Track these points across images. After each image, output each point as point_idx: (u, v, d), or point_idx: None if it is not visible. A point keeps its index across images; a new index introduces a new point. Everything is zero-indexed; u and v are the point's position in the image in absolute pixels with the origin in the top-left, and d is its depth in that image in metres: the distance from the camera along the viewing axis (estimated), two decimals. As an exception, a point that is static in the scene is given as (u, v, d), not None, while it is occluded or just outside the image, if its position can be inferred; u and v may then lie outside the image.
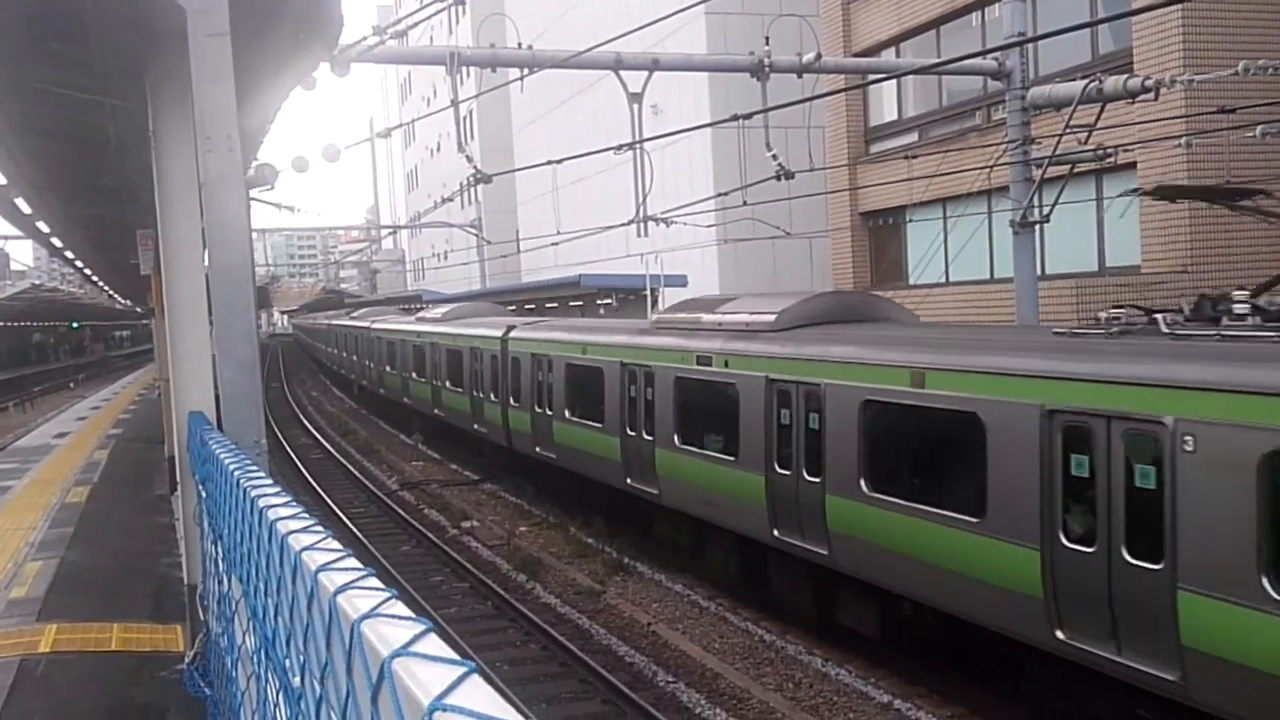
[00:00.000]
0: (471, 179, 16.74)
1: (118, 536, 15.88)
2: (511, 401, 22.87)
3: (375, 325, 41.17)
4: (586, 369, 19.09)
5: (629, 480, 17.49)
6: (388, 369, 37.22)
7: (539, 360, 21.31)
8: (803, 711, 11.51)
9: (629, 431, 17.37)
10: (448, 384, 28.47)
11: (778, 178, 16.02)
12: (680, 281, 31.18)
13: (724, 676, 12.65)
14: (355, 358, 45.68)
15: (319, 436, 36.31)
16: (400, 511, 22.73)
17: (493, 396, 24.24)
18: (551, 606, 15.83)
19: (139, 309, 53.15)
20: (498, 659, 13.52)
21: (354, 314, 55.96)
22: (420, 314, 36.95)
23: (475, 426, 26.07)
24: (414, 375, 32.57)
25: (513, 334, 23.21)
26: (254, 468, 4.29)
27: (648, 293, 30.28)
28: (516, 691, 11.95)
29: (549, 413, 20.72)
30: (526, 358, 21.97)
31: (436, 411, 30.15)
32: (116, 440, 27.81)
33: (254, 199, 17.34)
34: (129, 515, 17.65)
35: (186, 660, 8.28)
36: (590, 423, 18.81)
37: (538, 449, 21.52)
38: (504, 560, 18.42)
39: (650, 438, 16.62)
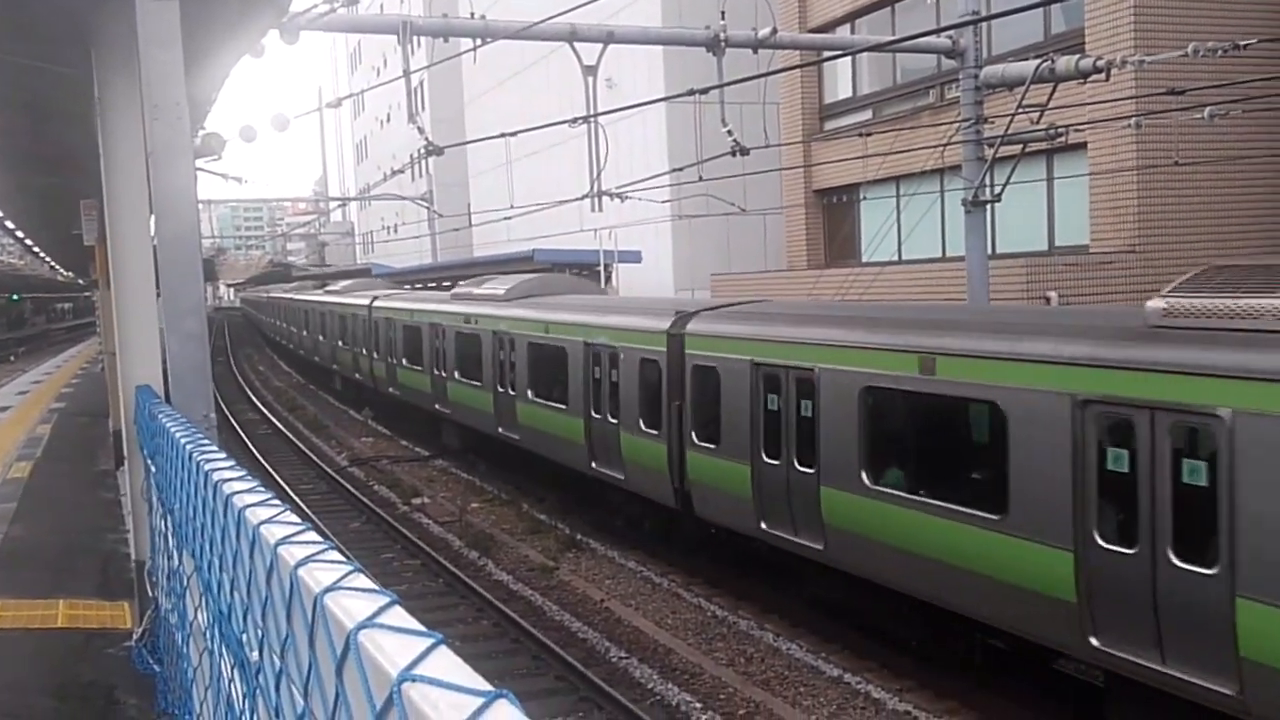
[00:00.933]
0: (423, 151, 16.54)
1: (62, 512, 15.62)
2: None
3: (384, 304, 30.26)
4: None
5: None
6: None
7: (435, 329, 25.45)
8: (754, 686, 11.60)
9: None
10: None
11: (733, 154, 15.98)
12: (634, 257, 31.13)
13: (676, 652, 12.71)
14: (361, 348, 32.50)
15: (266, 412, 35.91)
16: (350, 488, 22.56)
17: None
18: (504, 583, 15.80)
19: (82, 280, 52.12)
20: (450, 636, 13.40)
21: (330, 287, 44.10)
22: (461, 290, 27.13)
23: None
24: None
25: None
26: (206, 441, 4.21)
27: (601, 268, 30.19)
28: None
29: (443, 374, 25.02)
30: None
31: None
32: (59, 414, 27.32)
33: (200, 169, 17.01)
34: (73, 490, 17.36)
35: (134, 637, 8.17)
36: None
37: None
38: (456, 537, 18.35)
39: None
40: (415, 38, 15.21)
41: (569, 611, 14.35)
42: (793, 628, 13.15)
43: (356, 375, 33.59)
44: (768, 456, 12.70)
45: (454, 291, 26.06)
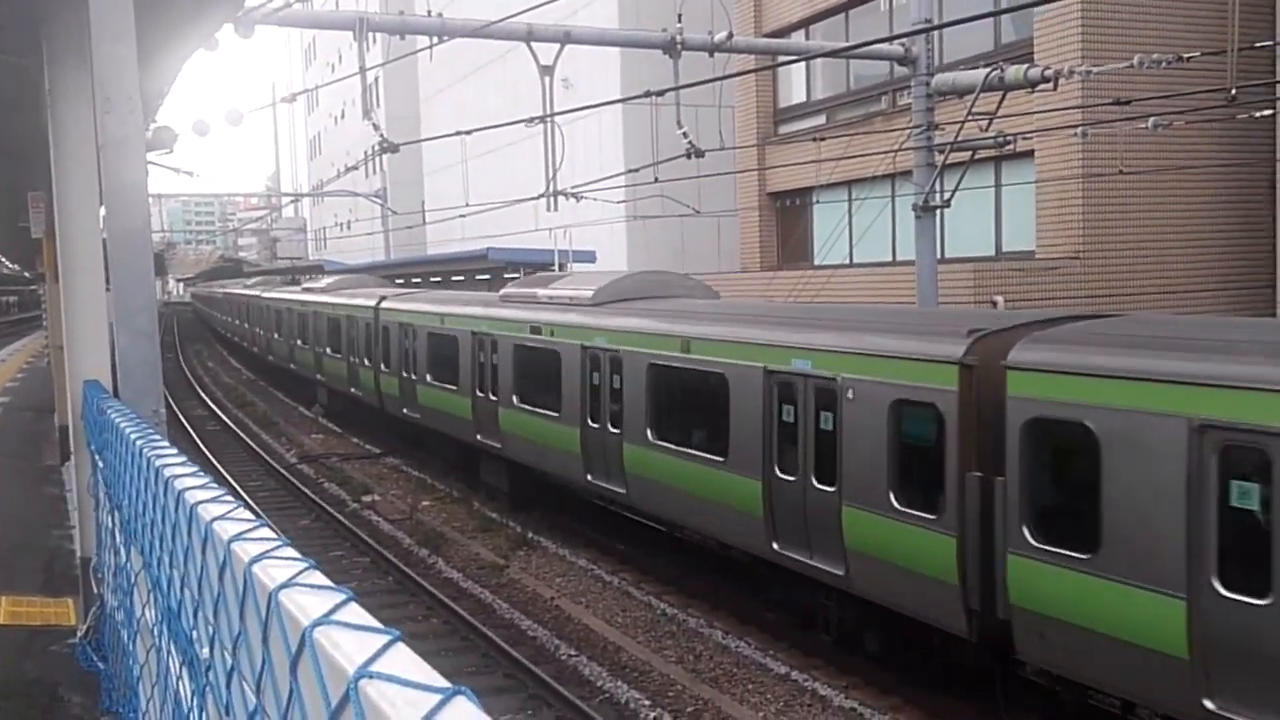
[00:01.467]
0: (377, 147, 16.47)
1: (6, 507, 15.36)
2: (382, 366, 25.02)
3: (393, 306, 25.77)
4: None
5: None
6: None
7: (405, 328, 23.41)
8: (703, 683, 11.69)
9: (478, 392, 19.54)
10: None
11: (688, 156, 16.07)
12: (589, 257, 31.14)
13: (626, 650, 12.77)
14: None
15: (215, 408, 35.52)
16: (299, 485, 22.39)
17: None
18: (454, 581, 15.78)
19: (28, 274, 51.15)
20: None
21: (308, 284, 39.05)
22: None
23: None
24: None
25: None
26: (157, 437, 4.20)
27: (556, 268, 30.17)
28: (418, 665, 11.91)
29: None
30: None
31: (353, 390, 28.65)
32: (4, 409, 26.83)
33: (152, 163, 16.79)
34: (17, 486, 17.08)
35: (79, 634, 8.09)
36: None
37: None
38: (406, 535, 18.28)
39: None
40: (371, 34, 15.14)
41: (519, 609, 14.36)
42: (741, 625, 13.26)
43: (353, 390, 27.83)
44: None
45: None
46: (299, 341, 34.14)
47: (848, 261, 25.42)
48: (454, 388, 20.37)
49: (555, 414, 16.44)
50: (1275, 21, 19.97)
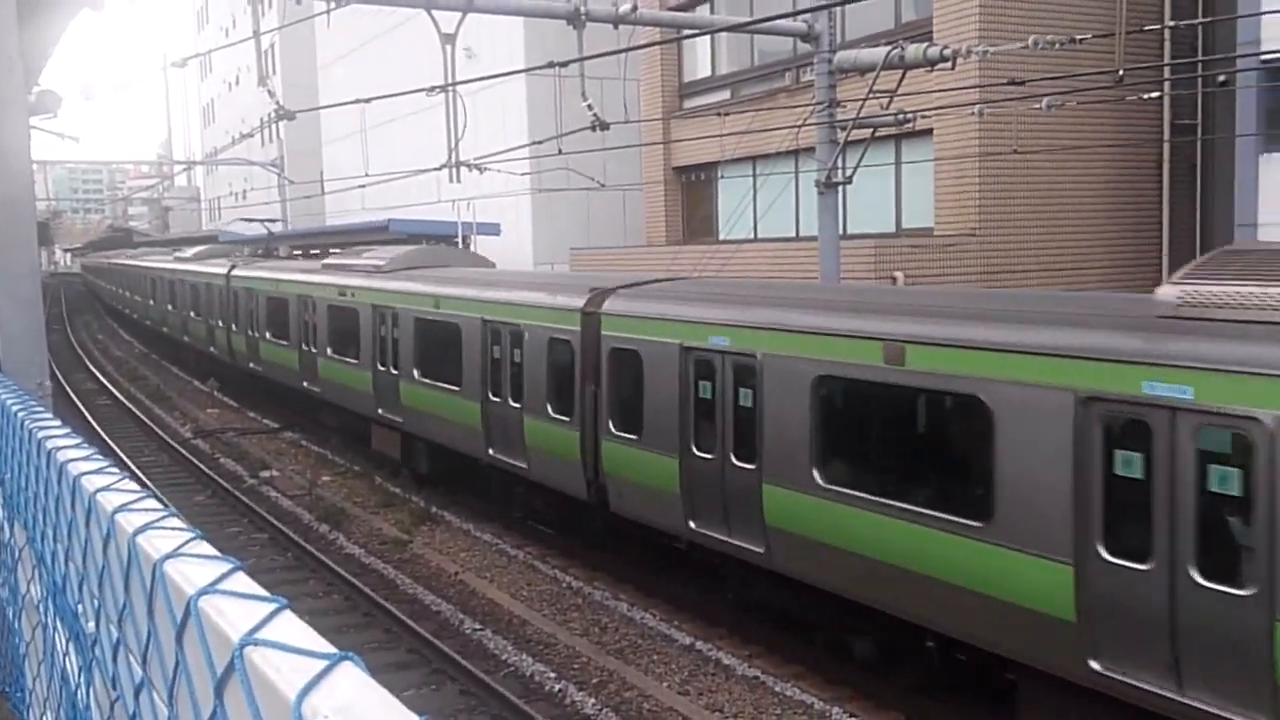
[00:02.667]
0: (273, 115, 16.06)
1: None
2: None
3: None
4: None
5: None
6: None
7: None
8: (608, 655, 11.75)
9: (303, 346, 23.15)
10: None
11: (592, 128, 15.98)
12: (493, 230, 30.87)
13: (531, 623, 12.78)
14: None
15: (105, 382, 34.44)
16: (195, 460, 21.86)
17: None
18: (356, 557, 15.59)
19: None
20: (300, 611, 13.14)
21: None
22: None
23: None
24: None
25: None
26: (40, 409, 4.06)
27: (459, 240, 29.85)
28: (319, 642, 11.75)
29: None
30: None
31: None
32: (-125, 383, 25.65)
33: (35, 127, 16.10)
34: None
35: (-41, 615, 7.78)
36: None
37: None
38: (306, 510, 18.00)
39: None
40: (267, -3, 14.73)
41: (423, 584, 14.26)
42: (646, 597, 13.36)
43: (211, 350, 31.74)
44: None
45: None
46: (169, 306, 37.61)
47: (752, 236, 25.61)
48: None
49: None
50: (1164, 6, 20.59)
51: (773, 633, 11.82)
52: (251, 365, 27.32)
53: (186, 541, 1.83)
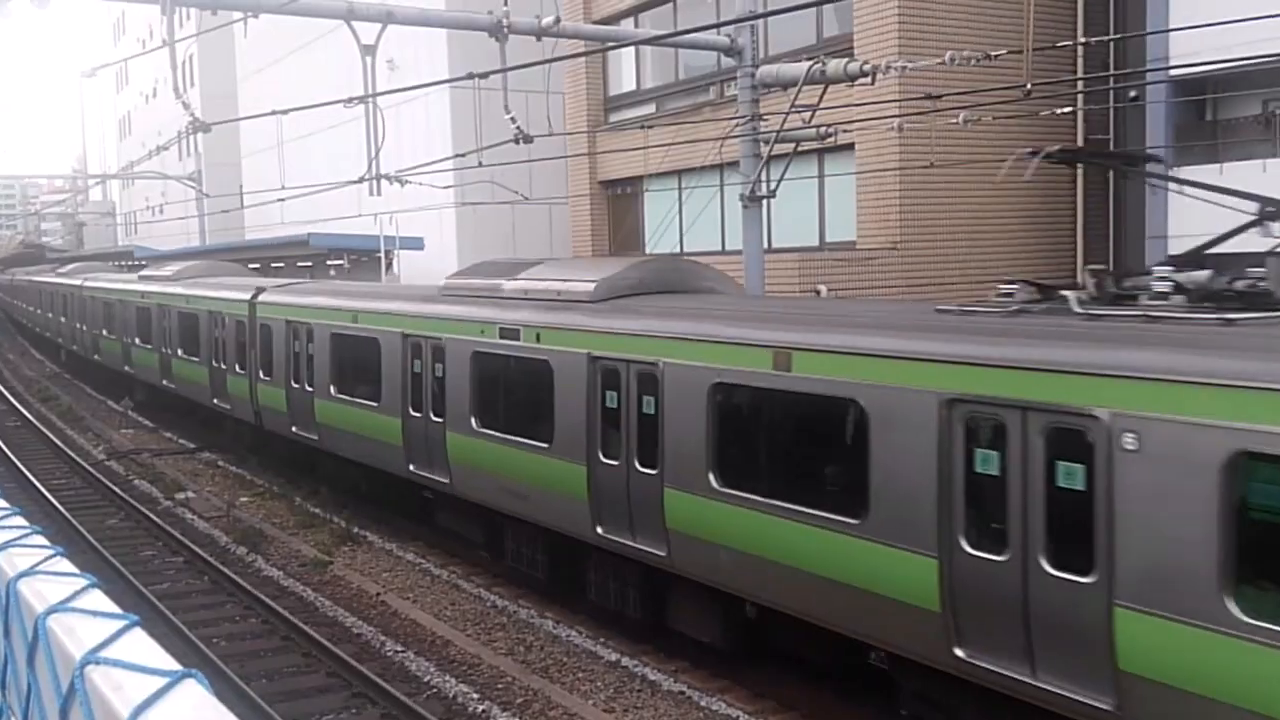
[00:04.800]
0: (189, 127, 15.68)
1: None
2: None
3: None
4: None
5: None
6: None
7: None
8: (533, 674, 11.58)
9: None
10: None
11: (516, 141, 15.85)
12: (416, 244, 30.56)
13: (454, 643, 12.56)
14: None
15: (15, 402, 33.38)
16: (107, 483, 21.22)
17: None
18: (274, 579, 15.23)
19: None
20: (214, 635, 12.88)
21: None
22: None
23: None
24: None
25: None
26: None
27: (381, 254, 29.49)
28: (234, 668, 11.43)
29: None
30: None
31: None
32: None
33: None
34: None
35: None
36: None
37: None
38: (223, 532, 17.56)
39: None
40: (182, 8, 14.36)
41: (343, 606, 13.96)
42: (572, 615, 13.21)
43: (127, 368, 31.50)
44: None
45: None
46: (105, 331, 34.85)
47: (678, 250, 25.63)
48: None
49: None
50: (1076, 23, 21.06)
51: (698, 648, 11.74)
52: (165, 383, 27.64)
53: (46, 559, 1.70)
